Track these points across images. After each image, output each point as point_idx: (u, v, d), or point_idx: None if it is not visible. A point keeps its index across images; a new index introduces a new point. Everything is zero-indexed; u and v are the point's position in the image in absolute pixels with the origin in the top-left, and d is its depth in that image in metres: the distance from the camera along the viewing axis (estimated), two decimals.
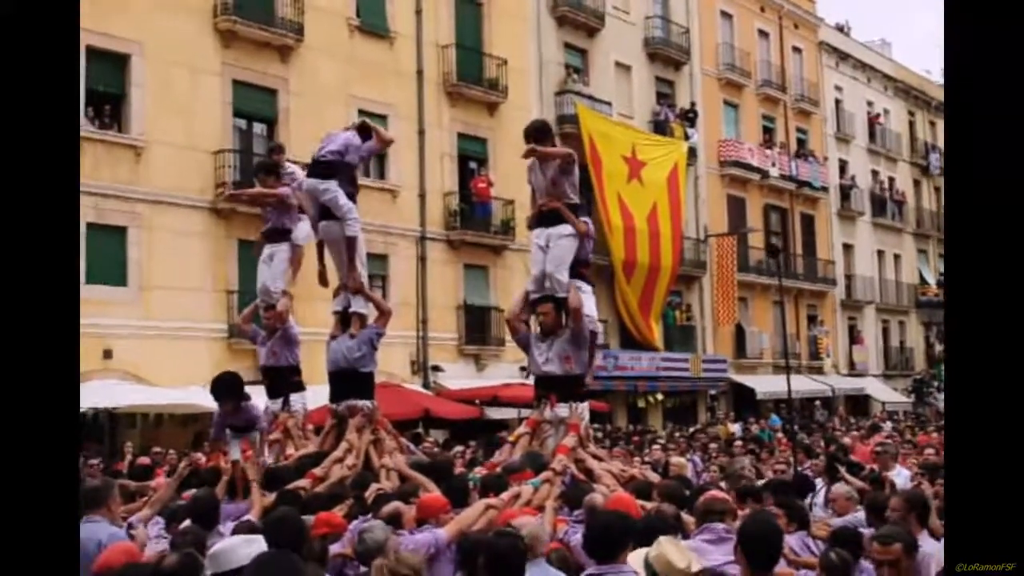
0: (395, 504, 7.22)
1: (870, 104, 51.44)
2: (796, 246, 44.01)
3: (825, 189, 45.50)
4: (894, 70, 53.83)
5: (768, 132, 43.62)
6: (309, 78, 26.05)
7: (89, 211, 20.81)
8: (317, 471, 9.23)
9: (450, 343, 28.90)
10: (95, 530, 6.31)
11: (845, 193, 47.76)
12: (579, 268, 10.17)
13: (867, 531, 6.76)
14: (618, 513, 6.33)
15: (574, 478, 8.58)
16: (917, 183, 54.74)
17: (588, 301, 10.23)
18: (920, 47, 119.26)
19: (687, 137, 36.72)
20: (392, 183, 27.54)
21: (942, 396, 40.90)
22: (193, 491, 8.43)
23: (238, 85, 24.81)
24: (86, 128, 20.89)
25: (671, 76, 38.47)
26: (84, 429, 18.76)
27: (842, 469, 11.48)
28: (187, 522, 7.24)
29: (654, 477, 9.86)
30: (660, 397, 35.12)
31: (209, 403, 12.44)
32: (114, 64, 22.48)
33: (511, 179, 27.23)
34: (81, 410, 16.57)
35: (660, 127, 36.50)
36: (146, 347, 21.74)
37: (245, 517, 7.52)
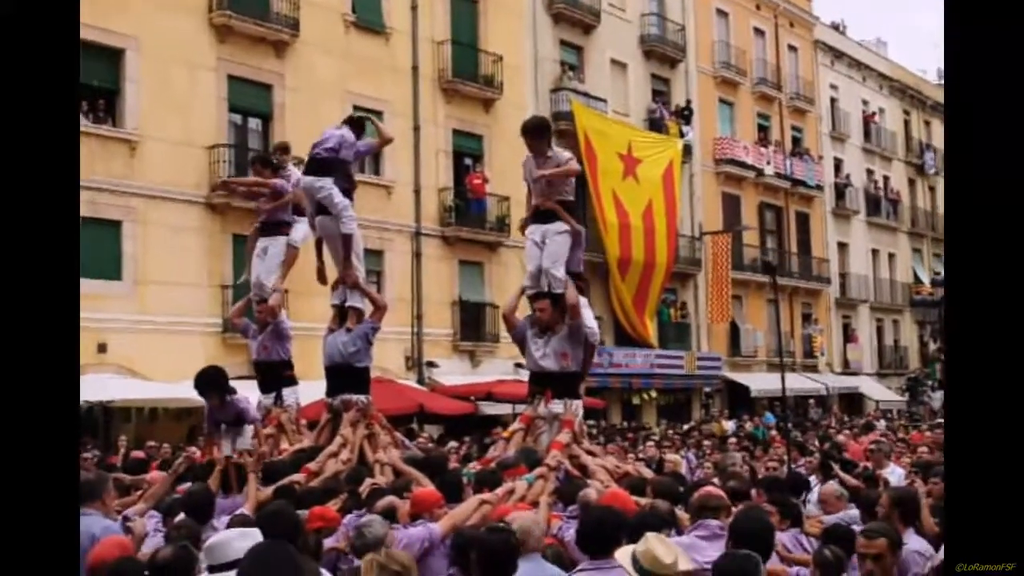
0: (389, 498, 7.24)
1: (865, 103, 51.47)
2: (791, 244, 44.06)
3: (820, 187, 45.52)
4: (889, 69, 53.87)
5: (763, 130, 43.63)
6: (304, 74, 26.02)
7: (84, 205, 20.70)
8: (312, 465, 9.25)
9: (445, 339, 28.91)
10: (89, 523, 6.30)
11: (840, 192, 47.80)
12: (575, 281, 10.16)
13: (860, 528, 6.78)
14: (611, 509, 6.34)
15: (568, 474, 8.60)
16: (912, 182, 54.78)
17: (587, 313, 10.25)
18: (916, 46, 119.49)
19: (682, 135, 36.78)
20: (388, 179, 27.52)
21: (936, 395, 41.07)
22: (188, 485, 8.45)
23: (233, 80, 24.77)
24: (81, 123, 20.85)
25: (667, 74, 38.47)
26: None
27: (836, 467, 11.49)
28: (181, 516, 7.26)
29: (648, 473, 9.88)
30: (654, 394, 35.16)
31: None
32: (109, 59, 22.41)
33: (506, 175, 27.26)
34: None
35: (655, 124, 36.53)
36: (141, 341, 21.73)
37: (239, 511, 7.53)
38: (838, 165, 48.60)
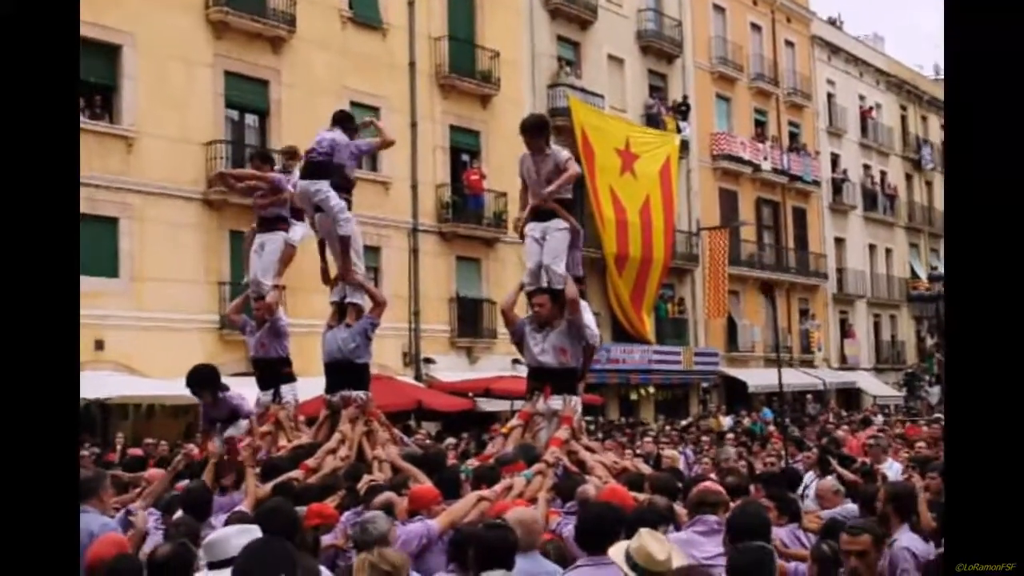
0: (388, 495, 7.24)
1: (862, 98, 51.48)
2: (788, 240, 44.06)
3: (817, 183, 45.53)
4: (886, 64, 53.87)
5: (760, 126, 43.62)
6: (301, 70, 26.00)
7: (81, 202, 20.70)
8: (310, 462, 9.25)
9: (442, 335, 28.91)
10: (87, 521, 6.31)
11: (837, 187, 47.81)
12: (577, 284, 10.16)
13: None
14: (610, 505, 6.35)
15: (566, 470, 8.60)
16: (909, 177, 54.79)
17: (588, 316, 10.26)
18: (913, 42, 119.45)
19: (679, 130, 36.79)
20: (385, 175, 27.51)
21: (933, 390, 41.10)
22: (186, 482, 8.45)
23: (230, 76, 24.75)
24: None
25: (664, 69, 38.46)
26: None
27: (834, 462, 11.50)
28: (179, 513, 7.26)
29: (646, 469, 9.88)
30: (652, 390, 35.18)
31: None
32: (106, 55, 22.37)
33: (503, 171, 27.20)
34: None
35: (652, 120, 36.54)
36: (138, 338, 21.72)
37: (238, 508, 7.54)
38: (835, 160, 48.61)
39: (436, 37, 29.56)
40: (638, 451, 15.51)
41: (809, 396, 40.08)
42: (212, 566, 4.95)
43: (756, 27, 44.02)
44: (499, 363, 28.04)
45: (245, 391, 12.09)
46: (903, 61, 56.76)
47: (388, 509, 6.88)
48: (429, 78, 29.35)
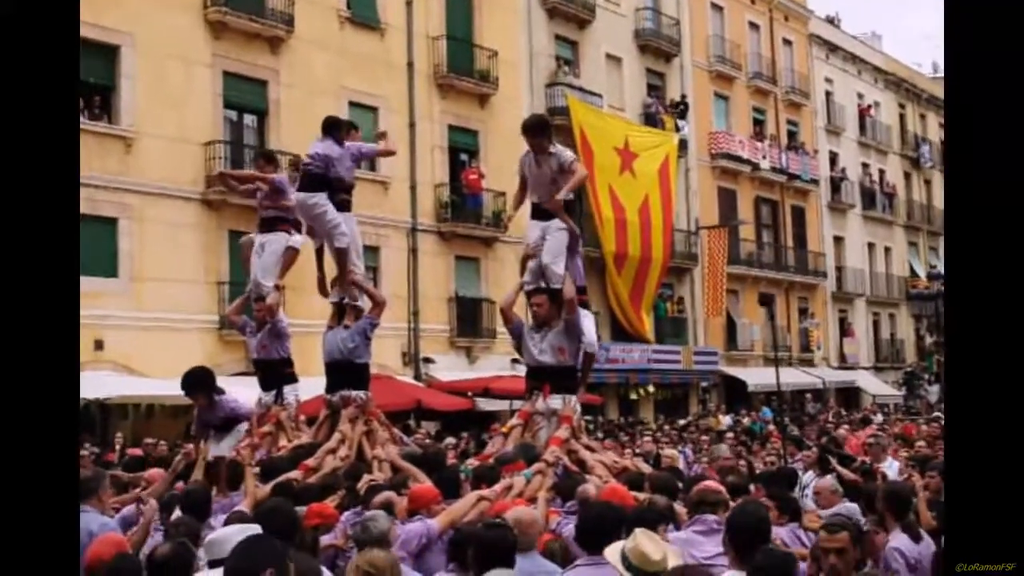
0: (387, 494, 7.24)
1: (860, 96, 51.48)
2: (787, 239, 44.07)
3: (815, 181, 45.54)
4: (884, 63, 53.87)
5: (758, 124, 43.63)
6: (300, 70, 26.00)
7: (80, 202, 20.72)
8: (310, 462, 9.26)
9: (441, 335, 28.91)
10: (87, 520, 6.32)
11: (835, 185, 47.82)
12: (579, 295, 10.18)
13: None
14: (610, 504, 6.35)
15: (566, 469, 8.60)
16: (907, 175, 54.78)
17: (588, 324, 10.26)
18: (910, 40, 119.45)
19: (678, 129, 36.77)
20: (383, 175, 27.49)
21: (932, 388, 41.10)
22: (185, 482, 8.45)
23: (229, 76, 24.74)
24: None
25: (662, 68, 38.47)
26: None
27: (834, 461, 11.50)
28: (177, 512, 7.26)
29: (646, 469, 9.88)
30: (651, 389, 35.17)
31: None
32: (104, 55, 22.36)
33: (502, 171, 27.20)
34: None
35: (651, 119, 36.52)
36: (137, 338, 21.71)
37: (237, 507, 7.54)
38: (834, 159, 48.61)
39: (434, 37, 29.56)
40: (637, 451, 15.52)
41: (808, 395, 40.10)
42: (212, 564, 4.95)
43: (754, 26, 44.02)
44: (498, 363, 28.06)
45: (245, 391, 12.09)
46: (901, 59, 56.84)
47: (388, 508, 6.88)
48: (427, 78, 29.35)
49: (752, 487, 8.90)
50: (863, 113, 51.26)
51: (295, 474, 8.84)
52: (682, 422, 27.92)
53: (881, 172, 52.21)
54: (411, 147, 28.39)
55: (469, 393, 25.88)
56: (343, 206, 11.15)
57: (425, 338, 28.25)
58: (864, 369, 47.28)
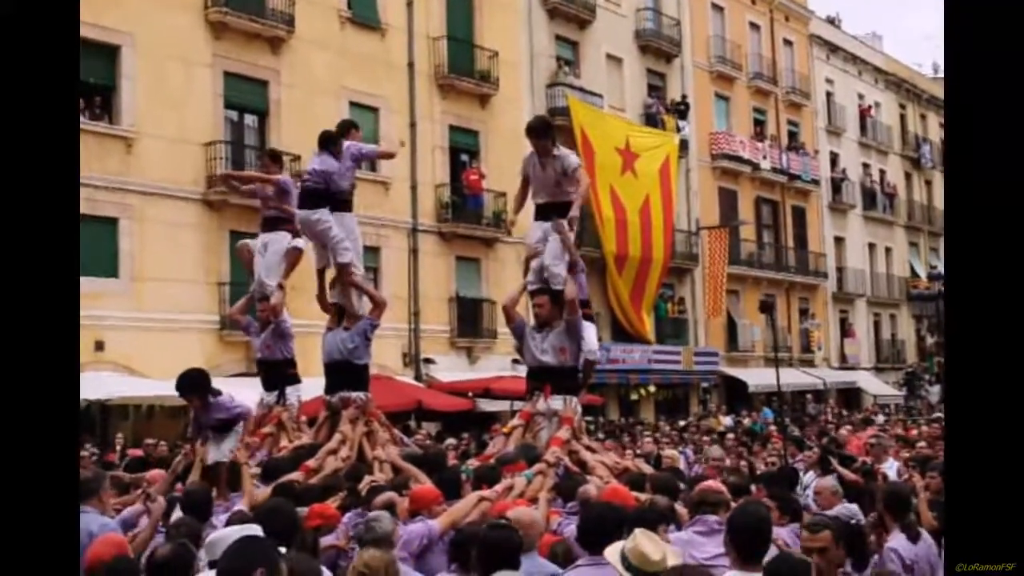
0: (390, 495, 7.24)
1: (861, 97, 51.45)
2: (787, 239, 44.04)
3: (816, 182, 45.51)
4: (885, 63, 53.84)
5: (759, 125, 43.61)
6: (300, 70, 26.00)
7: (81, 202, 20.69)
8: (311, 463, 9.25)
9: (442, 335, 28.90)
10: (87, 521, 6.31)
11: (836, 186, 47.79)
12: (582, 308, 10.20)
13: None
14: (611, 505, 6.34)
15: (567, 470, 8.60)
16: (908, 176, 54.75)
17: (590, 335, 10.27)
18: (911, 40, 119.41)
19: (678, 129, 36.77)
20: (384, 175, 27.46)
21: (933, 389, 41.06)
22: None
23: (229, 77, 24.73)
24: None
25: (662, 68, 38.45)
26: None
27: (834, 461, 11.50)
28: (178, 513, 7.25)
29: (647, 469, 9.88)
30: (652, 390, 35.14)
31: None
32: (105, 56, 22.34)
33: (503, 171, 27.20)
34: None
35: (651, 119, 36.52)
36: (138, 339, 21.69)
37: (236, 507, 7.53)
38: (834, 159, 48.59)
39: (435, 37, 29.55)
40: (638, 451, 15.53)
41: (809, 396, 40.07)
42: (213, 565, 4.94)
43: (755, 26, 44.00)
44: (499, 363, 28.04)
45: (245, 391, 12.08)
46: (901, 60, 56.83)
47: (390, 509, 6.88)
48: (428, 78, 29.34)
49: (753, 487, 8.90)
50: (864, 113, 51.23)
51: (296, 475, 8.84)
52: (683, 423, 27.89)
53: (882, 172, 52.19)
54: (412, 147, 28.36)
55: (470, 394, 25.86)
56: (344, 206, 11.18)
57: (426, 338, 28.23)
58: (865, 370, 47.24)
